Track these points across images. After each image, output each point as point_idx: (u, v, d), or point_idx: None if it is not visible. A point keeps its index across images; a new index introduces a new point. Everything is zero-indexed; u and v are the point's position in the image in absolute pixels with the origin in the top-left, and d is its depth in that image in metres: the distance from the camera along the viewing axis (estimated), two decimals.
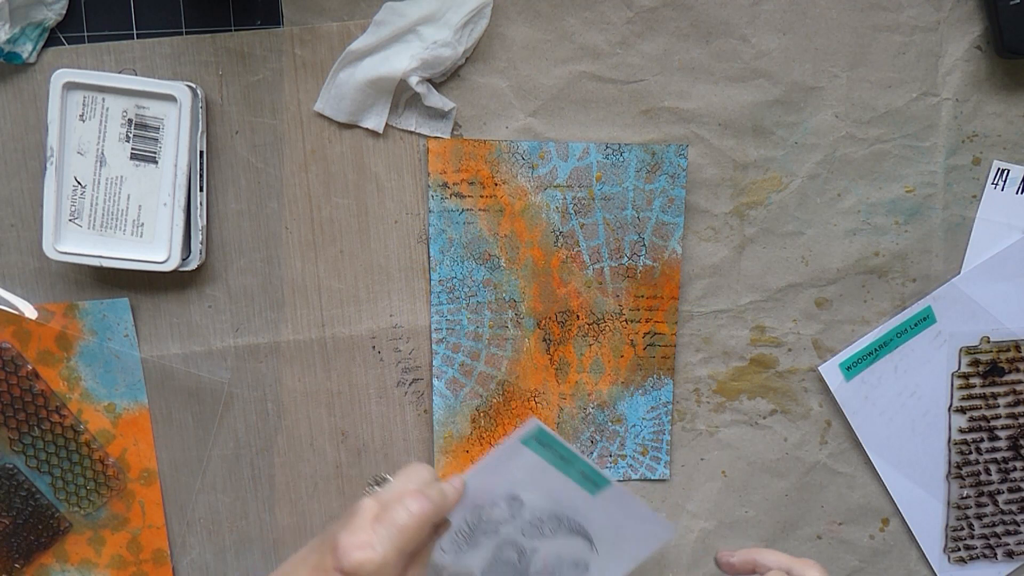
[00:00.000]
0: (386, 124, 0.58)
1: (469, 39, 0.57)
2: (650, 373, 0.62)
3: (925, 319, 0.63)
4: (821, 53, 0.60)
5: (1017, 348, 0.64)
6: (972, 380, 0.64)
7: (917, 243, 0.62)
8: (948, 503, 0.65)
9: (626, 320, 0.61)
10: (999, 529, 0.65)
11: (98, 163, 0.55)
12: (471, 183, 0.59)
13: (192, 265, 0.57)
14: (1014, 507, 0.65)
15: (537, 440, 0.49)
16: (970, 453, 0.64)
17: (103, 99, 0.54)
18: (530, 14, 0.58)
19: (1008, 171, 0.62)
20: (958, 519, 0.65)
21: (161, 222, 0.55)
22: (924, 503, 0.65)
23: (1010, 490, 0.65)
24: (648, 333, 0.62)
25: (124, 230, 0.55)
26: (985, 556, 0.66)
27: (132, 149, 0.55)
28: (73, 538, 0.60)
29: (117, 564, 0.61)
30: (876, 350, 0.63)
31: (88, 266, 0.57)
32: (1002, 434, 0.64)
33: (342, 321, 0.60)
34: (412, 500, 0.43)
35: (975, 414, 0.64)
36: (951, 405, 0.64)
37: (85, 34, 0.56)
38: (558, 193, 0.59)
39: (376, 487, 0.47)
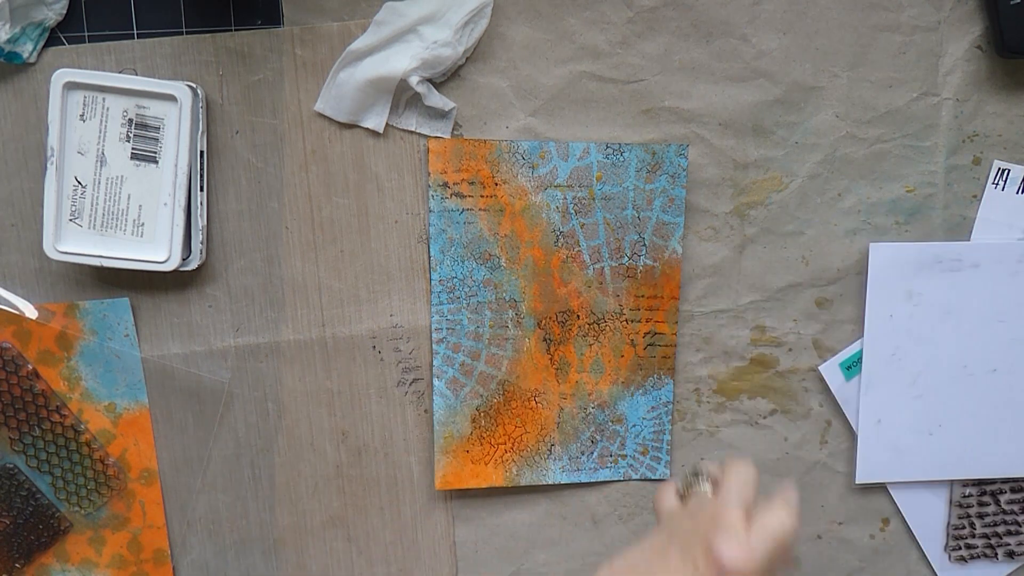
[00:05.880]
0: (386, 124, 0.58)
1: (469, 39, 0.57)
2: (650, 373, 0.62)
3: None
4: (821, 53, 0.60)
5: None
6: None
7: (917, 242, 0.62)
8: (950, 502, 0.65)
9: (626, 320, 0.61)
10: (1000, 529, 0.65)
11: (98, 163, 0.55)
12: (471, 183, 0.59)
13: (192, 265, 0.57)
14: (1016, 507, 0.65)
15: None
16: None
17: (103, 99, 0.54)
18: (530, 14, 0.58)
19: (1008, 171, 0.62)
20: (960, 518, 0.65)
21: (161, 222, 0.55)
22: (925, 502, 0.65)
23: (1012, 490, 0.65)
24: (648, 333, 0.61)
25: (124, 230, 0.55)
26: (986, 556, 0.66)
27: (132, 149, 0.55)
28: (73, 538, 0.60)
29: (118, 564, 0.61)
30: None
31: (88, 266, 0.57)
32: None
33: (342, 321, 0.60)
34: (783, 512, 0.43)
35: None
36: None
37: (85, 34, 0.56)
38: (558, 193, 0.59)
39: (698, 479, 0.48)
